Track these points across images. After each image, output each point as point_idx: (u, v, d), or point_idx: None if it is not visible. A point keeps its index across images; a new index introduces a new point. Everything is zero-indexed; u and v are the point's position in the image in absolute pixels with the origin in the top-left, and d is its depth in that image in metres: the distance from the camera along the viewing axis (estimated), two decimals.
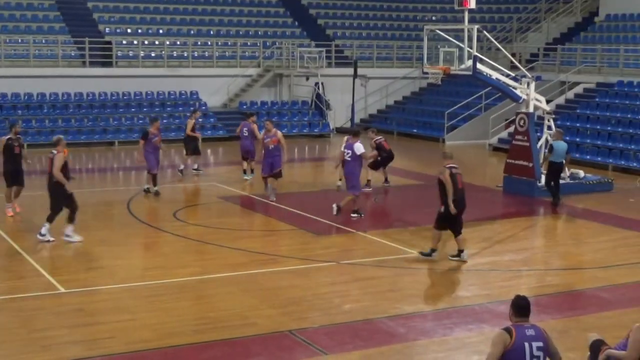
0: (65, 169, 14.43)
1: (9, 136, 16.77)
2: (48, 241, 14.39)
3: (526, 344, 6.86)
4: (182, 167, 22.21)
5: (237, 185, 20.59)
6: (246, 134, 21.10)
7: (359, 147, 16.51)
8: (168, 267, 13.16)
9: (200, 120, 30.61)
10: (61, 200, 14.47)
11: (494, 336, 6.99)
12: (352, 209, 16.79)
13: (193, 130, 21.90)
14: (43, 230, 14.48)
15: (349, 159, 16.56)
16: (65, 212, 14.51)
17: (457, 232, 13.57)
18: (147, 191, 19.32)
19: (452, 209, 13.22)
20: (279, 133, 18.84)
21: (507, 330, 6.94)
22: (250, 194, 19.51)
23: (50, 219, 14.51)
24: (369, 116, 35.06)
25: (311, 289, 12.11)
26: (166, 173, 23.70)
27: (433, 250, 13.61)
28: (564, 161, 18.99)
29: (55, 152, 14.52)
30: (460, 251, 13.60)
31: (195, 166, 22.43)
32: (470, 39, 19.15)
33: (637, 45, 31.29)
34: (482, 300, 11.73)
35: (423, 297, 11.96)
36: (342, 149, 16.92)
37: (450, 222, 13.48)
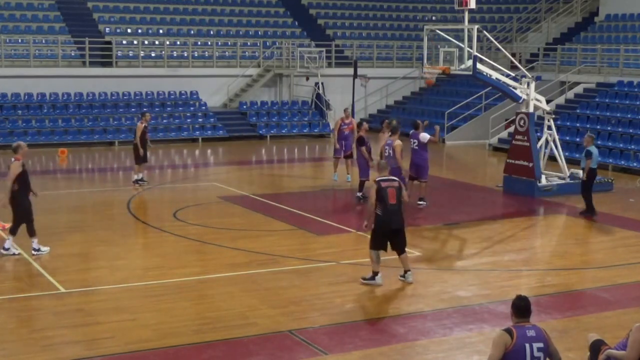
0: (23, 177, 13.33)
1: None
2: (13, 254, 13.58)
3: (527, 345, 6.84)
4: (140, 176, 20.24)
5: (237, 185, 20.59)
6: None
7: (425, 136, 17.88)
8: (168, 267, 13.15)
9: (200, 120, 30.75)
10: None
11: (495, 337, 6.98)
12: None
13: (143, 136, 19.87)
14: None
15: (417, 147, 18.02)
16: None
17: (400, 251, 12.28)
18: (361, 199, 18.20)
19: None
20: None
21: (508, 331, 6.93)
22: (250, 194, 19.49)
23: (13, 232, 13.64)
24: (369, 116, 35.06)
25: (311, 289, 12.11)
26: (166, 173, 23.75)
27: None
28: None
29: (12, 159, 13.37)
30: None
31: (140, 176, 20.26)
32: (470, 39, 19.14)
33: (637, 45, 31.29)
34: (482, 300, 11.71)
35: (423, 297, 11.94)
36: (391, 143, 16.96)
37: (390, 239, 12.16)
